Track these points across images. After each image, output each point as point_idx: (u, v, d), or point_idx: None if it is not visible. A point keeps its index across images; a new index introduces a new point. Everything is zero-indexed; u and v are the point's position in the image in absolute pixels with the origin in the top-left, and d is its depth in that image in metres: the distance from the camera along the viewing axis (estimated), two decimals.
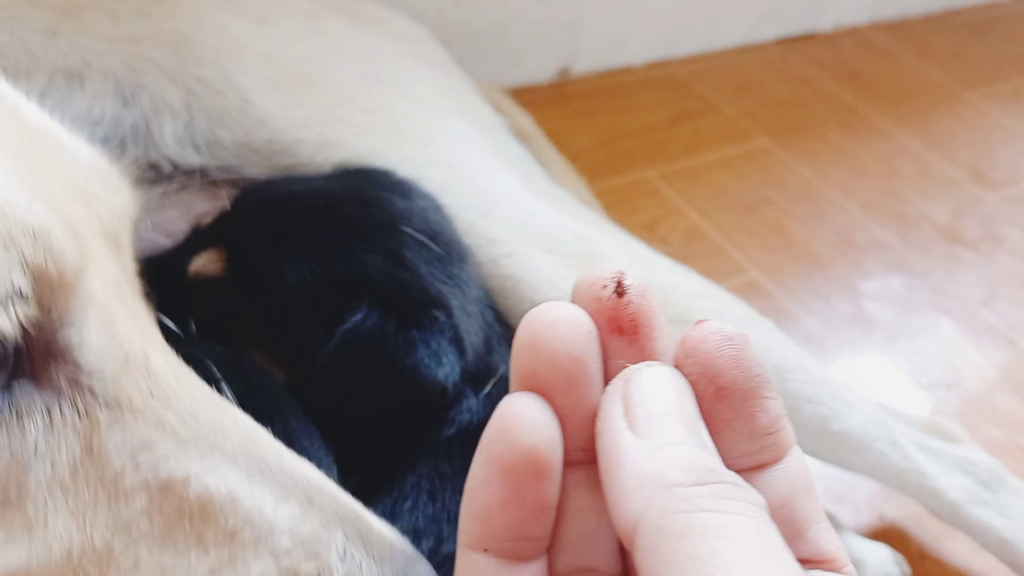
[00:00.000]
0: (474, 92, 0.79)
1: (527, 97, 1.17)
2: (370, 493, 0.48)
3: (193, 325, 0.50)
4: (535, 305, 0.60)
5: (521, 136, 0.91)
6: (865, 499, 0.77)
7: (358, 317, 0.49)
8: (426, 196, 0.57)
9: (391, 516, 0.47)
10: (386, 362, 0.48)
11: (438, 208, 0.57)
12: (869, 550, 0.65)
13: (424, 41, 0.79)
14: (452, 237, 0.55)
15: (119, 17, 0.61)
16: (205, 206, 0.60)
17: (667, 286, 0.63)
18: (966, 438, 0.72)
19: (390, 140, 0.64)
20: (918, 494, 0.68)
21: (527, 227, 0.63)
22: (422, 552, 0.45)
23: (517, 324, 0.65)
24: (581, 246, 0.63)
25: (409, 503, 0.48)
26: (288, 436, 0.44)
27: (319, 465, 0.46)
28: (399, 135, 0.64)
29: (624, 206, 1.03)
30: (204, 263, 0.52)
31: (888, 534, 0.75)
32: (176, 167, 0.61)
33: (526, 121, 0.98)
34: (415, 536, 0.47)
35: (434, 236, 0.53)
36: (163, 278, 0.52)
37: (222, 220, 0.54)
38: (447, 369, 0.49)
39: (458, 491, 0.47)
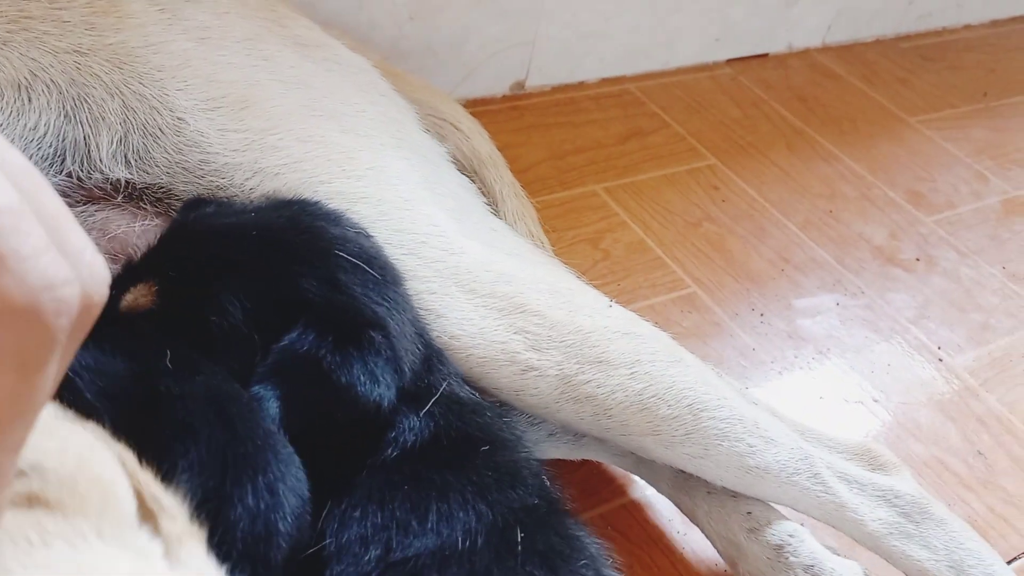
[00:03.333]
0: (415, 122, 0.80)
1: (480, 109, 1.20)
2: (321, 504, 0.50)
3: (169, 359, 0.49)
4: (454, 339, 0.62)
5: (473, 155, 0.93)
6: None
7: (293, 335, 0.50)
8: (356, 225, 0.58)
9: (340, 524, 0.49)
10: (322, 380, 0.49)
11: (369, 236, 0.58)
12: (841, 567, 0.67)
13: (367, 70, 0.81)
14: (386, 262, 0.56)
15: (67, 29, 0.62)
16: (124, 226, 0.61)
17: (587, 327, 0.65)
18: (896, 464, 0.74)
19: (322, 172, 0.65)
20: (841, 525, 0.69)
21: (450, 266, 0.64)
22: (369, 559, 0.47)
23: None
24: (504, 286, 0.65)
25: (358, 512, 0.49)
26: (270, 490, 0.45)
27: (300, 504, 0.47)
28: (331, 167, 0.66)
29: (570, 218, 1.06)
30: (135, 298, 0.53)
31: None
32: (105, 181, 0.61)
33: (481, 140, 0.99)
34: (363, 543, 0.48)
35: (368, 260, 0.54)
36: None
37: (153, 253, 0.55)
38: (383, 388, 0.50)
39: (407, 503, 0.49)
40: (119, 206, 0.64)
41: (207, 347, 0.51)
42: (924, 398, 0.94)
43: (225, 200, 0.62)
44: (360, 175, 0.67)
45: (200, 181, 0.64)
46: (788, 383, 0.93)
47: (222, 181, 0.64)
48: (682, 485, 0.71)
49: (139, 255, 0.56)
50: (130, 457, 0.34)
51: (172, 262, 0.54)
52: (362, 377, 0.49)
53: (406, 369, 0.53)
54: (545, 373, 0.63)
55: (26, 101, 0.60)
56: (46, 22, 0.62)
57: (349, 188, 0.65)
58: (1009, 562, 0.80)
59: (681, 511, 0.73)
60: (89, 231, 0.62)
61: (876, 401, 0.92)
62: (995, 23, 1.69)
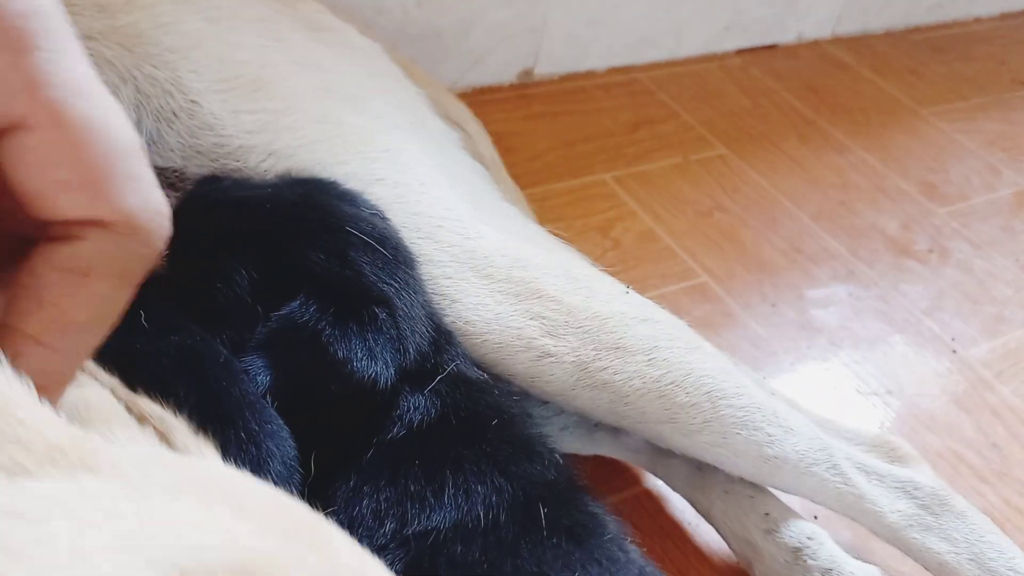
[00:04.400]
0: (427, 108, 0.79)
1: (488, 97, 1.19)
2: (331, 480, 0.49)
3: (144, 317, 0.49)
4: (469, 325, 0.60)
5: (478, 158, 0.91)
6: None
7: (295, 305, 0.49)
8: (372, 207, 0.57)
9: (349, 500, 0.48)
10: (318, 352, 0.48)
11: (384, 218, 0.57)
12: (860, 571, 0.65)
13: (379, 55, 0.79)
14: (399, 243, 0.55)
15: (76, 13, 0.60)
16: None
17: (604, 313, 0.63)
18: (915, 457, 0.72)
19: (337, 153, 0.64)
20: (860, 517, 0.68)
21: (467, 251, 0.63)
22: (385, 532, 0.46)
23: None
24: (520, 271, 0.64)
25: (368, 487, 0.48)
26: (253, 441, 0.44)
27: (285, 468, 0.46)
28: (347, 149, 0.64)
29: (579, 207, 1.04)
30: None
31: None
32: None
33: (485, 144, 0.98)
34: (377, 518, 0.47)
35: (381, 240, 0.53)
36: None
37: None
38: (379, 366, 0.49)
39: (421, 477, 0.48)
40: None
41: (212, 315, 0.51)
42: (938, 390, 0.93)
43: (242, 179, 0.61)
44: (375, 157, 0.65)
45: (214, 164, 0.63)
46: (801, 374, 0.92)
47: (236, 163, 0.63)
48: (698, 483, 0.70)
49: None
50: (123, 388, 0.33)
51: (181, 228, 0.53)
52: (359, 352, 0.48)
53: (411, 349, 0.52)
54: (562, 359, 0.61)
55: None
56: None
57: (364, 169, 0.64)
58: None
59: (696, 510, 0.71)
60: None
61: (890, 393, 0.91)
62: (1005, 16, 1.68)
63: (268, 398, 0.47)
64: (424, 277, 0.60)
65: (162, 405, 0.33)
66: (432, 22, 1.12)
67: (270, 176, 0.62)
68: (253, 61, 0.66)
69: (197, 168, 0.63)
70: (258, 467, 0.44)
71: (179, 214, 0.55)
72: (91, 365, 0.34)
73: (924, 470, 0.72)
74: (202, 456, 0.31)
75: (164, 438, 0.31)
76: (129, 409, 0.32)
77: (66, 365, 0.30)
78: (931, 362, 0.96)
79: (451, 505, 0.46)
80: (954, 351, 0.97)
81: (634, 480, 0.77)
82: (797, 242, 1.07)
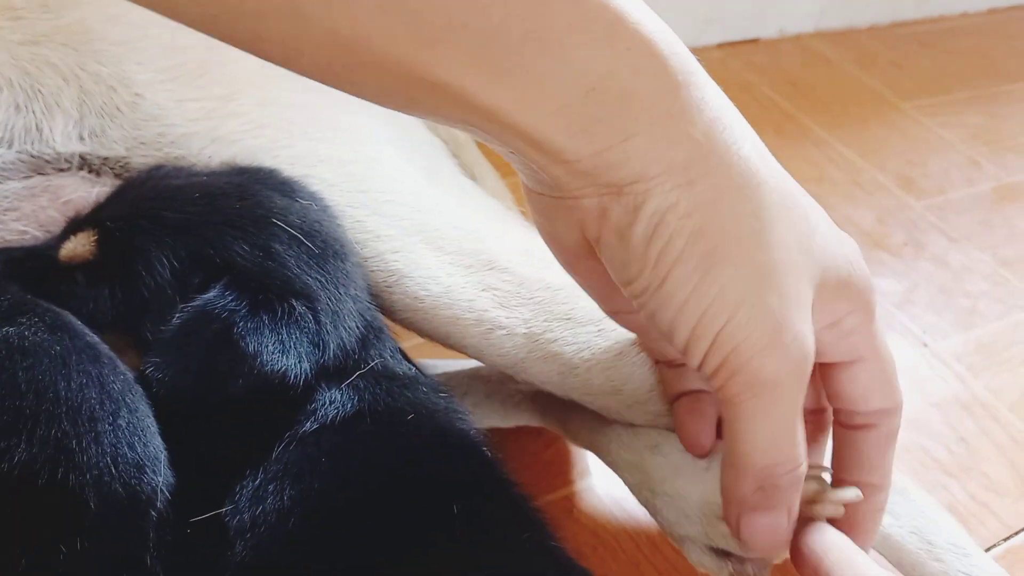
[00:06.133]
0: None
1: None
2: (233, 480, 0.48)
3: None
4: (417, 300, 0.60)
5: (449, 137, 0.91)
6: None
7: (210, 295, 0.48)
8: (311, 196, 0.56)
9: (256, 496, 0.47)
10: (228, 344, 0.47)
11: (323, 209, 0.56)
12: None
13: None
14: (331, 236, 0.54)
15: (20, 17, 0.60)
16: (81, 191, 0.59)
17: (556, 284, 0.62)
18: None
19: (282, 136, 0.63)
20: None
21: (417, 224, 0.62)
22: (290, 532, 0.45)
23: (401, 319, 0.64)
24: (472, 243, 0.63)
25: (272, 486, 0.47)
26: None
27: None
28: (292, 130, 0.63)
29: None
30: (75, 246, 0.51)
31: None
32: (57, 156, 0.60)
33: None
34: (280, 516, 0.46)
35: (310, 234, 0.52)
36: (36, 266, 0.52)
37: (98, 208, 0.53)
38: (291, 360, 0.48)
39: (326, 475, 0.47)
40: (73, 175, 0.62)
41: (140, 306, 0.50)
42: (907, 383, 0.91)
43: (179, 167, 0.60)
44: (321, 137, 0.64)
45: (158, 153, 0.62)
46: None
47: (180, 151, 0.62)
48: (598, 427, 0.68)
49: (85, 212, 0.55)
50: None
51: (112, 215, 0.53)
52: (270, 347, 0.47)
53: (331, 343, 0.50)
54: (513, 331, 0.60)
55: None
56: (2, 17, 0.59)
57: (310, 151, 0.63)
58: (988, 549, 0.77)
59: (599, 456, 0.69)
60: (39, 196, 0.60)
61: None
62: (993, 11, 1.66)
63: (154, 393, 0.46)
64: (371, 255, 0.59)
65: None
66: None
67: (214, 162, 0.61)
68: (199, 45, 0.64)
69: (141, 158, 0.62)
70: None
71: (111, 199, 0.55)
72: None
73: None
74: None
75: None
76: None
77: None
78: (901, 355, 0.95)
79: (359, 503, 0.46)
80: (925, 344, 0.96)
81: (585, 473, 0.77)
82: None
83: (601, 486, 0.76)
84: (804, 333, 0.41)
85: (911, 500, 0.67)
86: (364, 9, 0.35)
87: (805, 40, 1.45)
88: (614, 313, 0.52)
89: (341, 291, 0.53)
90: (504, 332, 0.60)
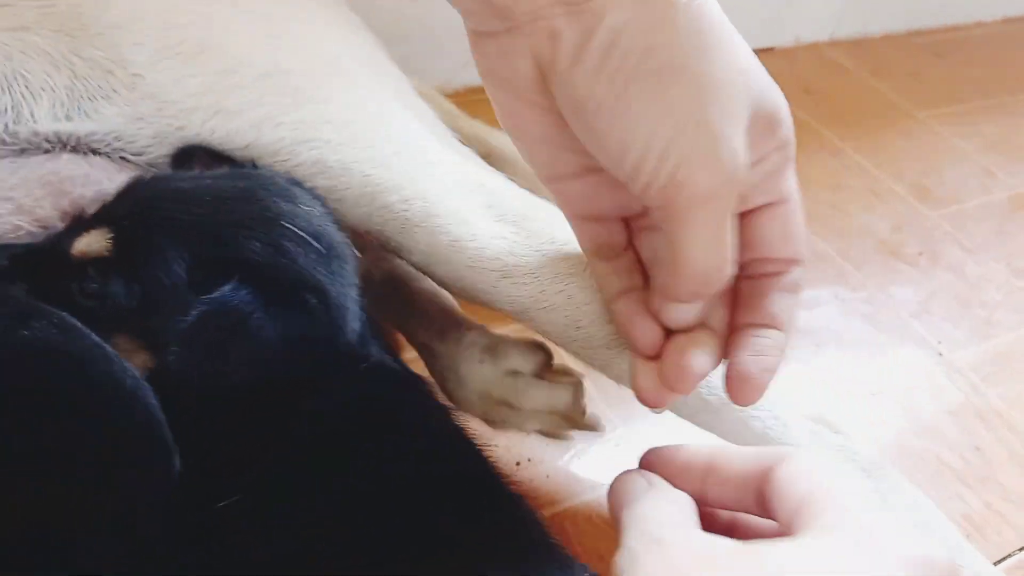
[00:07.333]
0: (384, 52, 0.79)
1: (480, 97, 1.18)
2: (244, 468, 0.49)
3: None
4: (430, 247, 0.62)
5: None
6: None
7: (226, 289, 0.49)
8: (313, 201, 0.57)
9: (265, 487, 0.48)
10: (246, 335, 0.48)
11: (325, 213, 0.57)
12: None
13: (335, 2, 0.79)
14: (334, 239, 0.56)
15: (10, 4, 0.60)
16: (74, 183, 0.60)
17: (561, 239, 0.63)
18: (851, 433, 0.73)
19: (287, 102, 0.64)
20: None
21: (424, 175, 0.64)
22: (295, 518, 0.46)
23: (413, 259, 0.66)
24: (481, 196, 0.65)
25: (283, 475, 0.48)
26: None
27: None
28: (296, 95, 0.64)
29: None
30: (89, 242, 0.52)
31: None
32: (37, 136, 0.60)
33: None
34: (290, 506, 0.47)
35: (316, 236, 0.53)
36: (42, 260, 0.53)
37: (108, 207, 0.54)
38: (306, 350, 0.49)
39: (335, 467, 0.49)
40: (58, 156, 0.62)
41: (157, 302, 0.51)
42: (923, 393, 0.92)
43: (183, 172, 0.61)
44: (326, 98, 0.65)
45: (154, 126, 0.62)
46: (785, 375, 0.91)
47: (180, 123, 0.62)
48: (405, 310, 0.76)
49: (94, 207, 0.56)
50: None
51: (125, 213, 0.54)
52: (284, 337, 0.49)
53: (340, 339, 0.52)
54: (521, 281, 0.62)
55: None
56: None
57: (315, 113, 0.64)
58: (1004, 559, 0.78)
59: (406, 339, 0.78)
60: (34, 189, 0.60)
61: (873, 395, 0.91)
62: (1008, 20, 1.67)
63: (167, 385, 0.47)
64: (379, 206, 0.62)
65: None
66: (424, 20, 1.12)
67: (216, 135, 0.62)
68: (197, 21, 0.65)
69: (136, 129, 0.62)
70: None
71: (123, 197, 0.55)
72: None
73: (860, 441, 0.73)
74: None
75: None
76: None
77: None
78: (916, 365, 0.95)
79: (364, 496, 0.47)
80: (940, 354, 0.97)
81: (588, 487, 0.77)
82: None
83: (602, 502, 0.76)
84: (740, 148, 0.44)
85: (903, 488, 0.70)
86: None
87: (821, 48, 1.46)
88: (555, 179, 0.53)
89: (345, 289, 0.54)
90: (512, 281, 0.62)
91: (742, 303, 0.53)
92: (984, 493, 0.84)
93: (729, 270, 0.47)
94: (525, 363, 0.73)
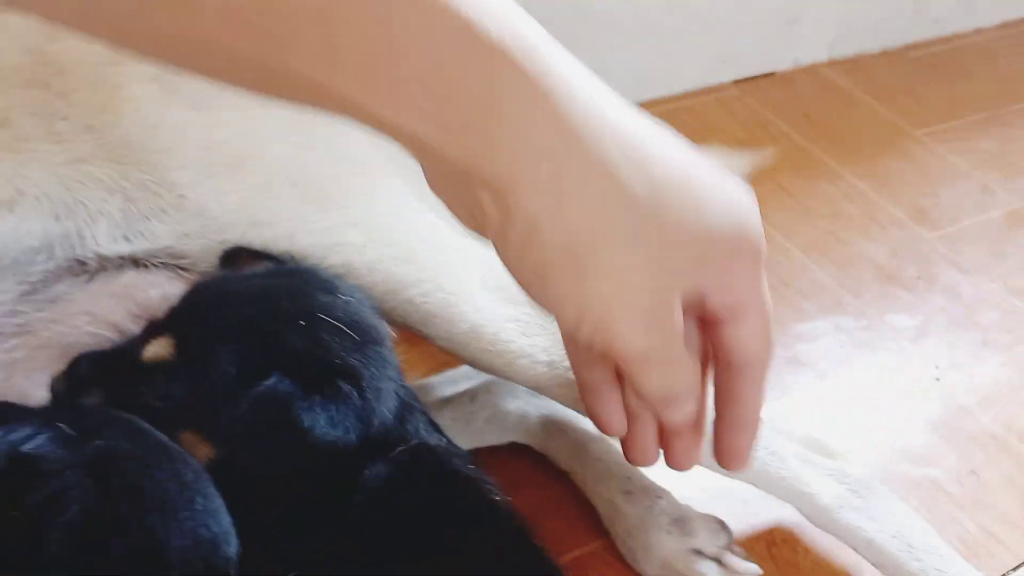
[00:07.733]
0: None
1: None
2: (292, 544, 0.56)
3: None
4: (450, 335, 0.68)
5: None
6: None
7: (270, 382, 0.56)
8: (350, 291, 0.64)
9: (315, 562, 0.55)
10: (287, 423, 0.54)
11: (361, 300, 0.64)
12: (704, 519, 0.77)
13: None
14: (370, 325, 0.62)
15: (63, 139, 0.66)
16: (138, 292, 0.66)
17: None
18: (843, 455, 0.80)
19: (315, 210, 0.69)
20: (795, 500, 0.76)
21: (442, 268, 0.70)
22: None
23: (438, 347, 0.73)
24: (493, 279, 0.71)
25: (330, 551, 0.56)
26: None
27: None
28: (325, 203, 0.70)
29: None
30: (156, 349, 0.60)
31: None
32: (105, 260, 0.66)
33: None
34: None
35: (351, 324, 0.60)
36: (119, 366, 0.60)
37: (171, 313, 0.61)
38: (341, 433, 0.55)
39: (376, 543, 0.55)
40: (124, 273, 0.68)
41: (209, 401, 0.57)
42: (920, 418, 0.97)
43: (233, 274, 0.67)
44: (351, 204, 0.71)
45: (202, 240, 0.68)
46: (784, 404, 0.96)
47: (220, 237, 0.68)
48: (576, 454, 0.81)
49: (161, 312, 0.63)
50: None
51: (185, 319, 0.61)
52: (322, 421, 0.55)
53: (374, 420, 0.58)
54: (535, 359, 0.68)
55: (6, 212, 0.63)
56: (39, 139, 0.65)
57: (341, 219, 0.70)
58: None
59: (575, 482, 0.82)
60: (105, 300, 0.67)
61: (871, 423, 0.96)
62: (1006, 24, 1.69)
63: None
64: (403, 301, 0.68)
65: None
66: None
67: (255, 244, 0.68)
68: (234, 136, 0.70)
69: (184, 245, 0.68)
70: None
71: (184, 304, 0.62)
72: None
73: (851, 461, 0.80)
74: None
75: None
76: None
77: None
78: (913, 390, 1.00)
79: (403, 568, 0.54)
80: (937, 379, 1.01)
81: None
82: (786, 276, 1.11)
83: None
84: (670, 317, 0.47)
85: (892, 506, 0.77)
86: (209, 14, 0.38)
87: (820, 70, 1.50)
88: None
89: (380, 372, 0.61)
90: (527, 360, 0.69)
91: (719, 387, 0.57)
92: (979, 516, 0.88)
93: (689, 389, 0.52)
94: (711, 543, 0.77)
